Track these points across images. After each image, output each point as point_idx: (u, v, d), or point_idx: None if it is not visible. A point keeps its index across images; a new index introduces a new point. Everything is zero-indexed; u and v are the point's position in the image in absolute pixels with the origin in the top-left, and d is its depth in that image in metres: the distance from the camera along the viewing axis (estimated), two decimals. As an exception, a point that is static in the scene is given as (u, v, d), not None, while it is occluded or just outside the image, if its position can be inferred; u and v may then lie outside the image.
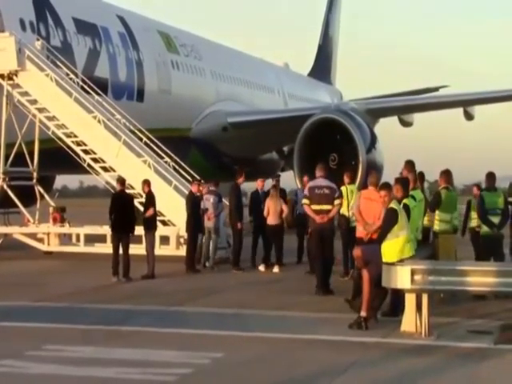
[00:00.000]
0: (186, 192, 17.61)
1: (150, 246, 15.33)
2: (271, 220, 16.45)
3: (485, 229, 12.58)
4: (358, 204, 10.97)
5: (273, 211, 16.41)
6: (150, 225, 15.48)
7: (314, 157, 23.43)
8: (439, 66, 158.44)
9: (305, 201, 13.08)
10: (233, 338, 9.17)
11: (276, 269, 16.18)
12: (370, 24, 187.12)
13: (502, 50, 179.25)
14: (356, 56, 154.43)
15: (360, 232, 10.78)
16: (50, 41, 20.41)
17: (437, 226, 12.52)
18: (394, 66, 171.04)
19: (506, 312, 10.74)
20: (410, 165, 11.83)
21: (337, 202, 12.98)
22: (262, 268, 16.29)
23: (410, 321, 9.33)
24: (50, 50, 19.87)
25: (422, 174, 12.61)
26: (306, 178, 18.40)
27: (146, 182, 15.83)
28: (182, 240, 17.32)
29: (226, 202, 17.24)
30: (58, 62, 19.65)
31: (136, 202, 17.15)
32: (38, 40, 19.80)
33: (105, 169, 18.58)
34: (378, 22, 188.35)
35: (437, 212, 12.49)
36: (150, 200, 15.56)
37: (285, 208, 16.56)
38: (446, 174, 12.86)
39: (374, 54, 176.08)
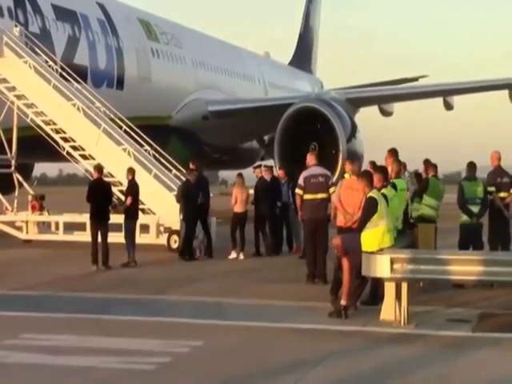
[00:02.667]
0: (166, 180, 17.57)
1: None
2: (238, 208, 16.69)
3: (464, 218, 12.66)
4: (339, 193, 10.97)
5: (240, 199, 16.66)
6: (130, 213, 15.40)
7: (294, 146, 23.50)
8: (418, 56, 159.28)
9: (298, 191, 13.09)
10: (212, 327, 9.17)
11: (242, 256, 16.25)
12: (351, 14, 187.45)
13: (481, 40, 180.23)
14: (337, 46, 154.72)
15: (340, 221, 10.79)
16: (28, 27, 20.19)
17: (423, 211, 12.64)
18: (374, 55, 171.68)
19: (485, 301, 10.82)
20: (391, 153, 11.87)
21: (331, 189, 12.93)
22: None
23: (389, 309, 9.37)
24: (29, 37, 19.67)
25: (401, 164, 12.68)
26: (281, 171, 18.84)
27: (131, 171, 15.76)
28: (161, 228, 17.29)
29: None
30: (37, 49, 19.45)
31: (116, 191, 17.11)
32: (16, 26, 19.58)
33: (84, 157, 18.45)
34: (359, 12, 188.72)
35: (424, 197, 12.71)
36: (131, 188, 15.49)
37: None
38: (433, 164, 13.18)
39: (354, 43, 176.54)
